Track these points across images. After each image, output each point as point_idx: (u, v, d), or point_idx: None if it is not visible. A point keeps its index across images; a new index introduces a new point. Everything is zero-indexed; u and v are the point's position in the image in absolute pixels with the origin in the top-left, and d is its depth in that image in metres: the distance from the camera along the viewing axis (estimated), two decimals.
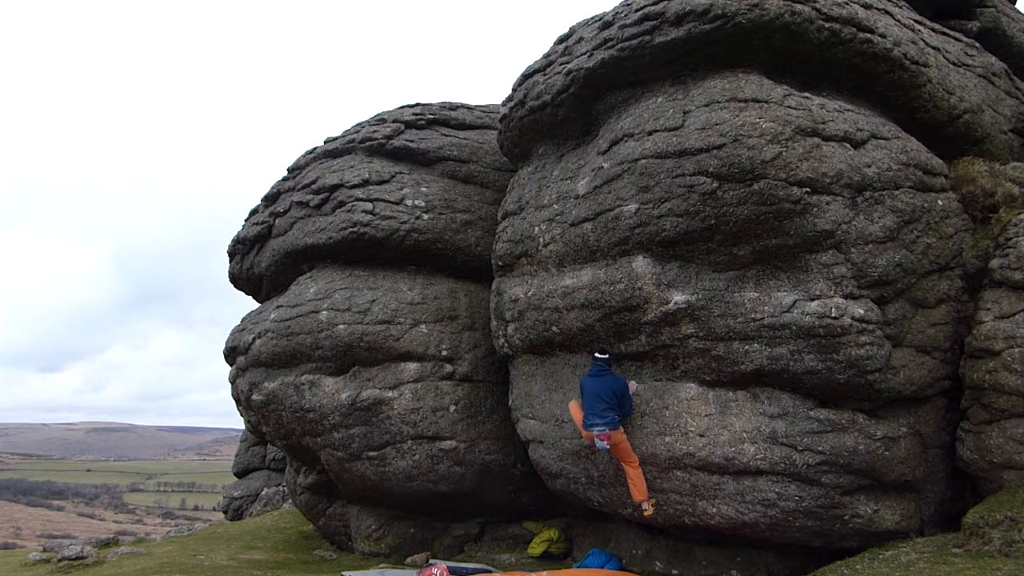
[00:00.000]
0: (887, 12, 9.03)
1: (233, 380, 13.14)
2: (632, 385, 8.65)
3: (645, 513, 8.50)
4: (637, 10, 8.70)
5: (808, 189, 7.50)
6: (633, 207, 8.22)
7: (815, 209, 7.51)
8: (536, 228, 9.79)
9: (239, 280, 14.60)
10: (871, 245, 7.70)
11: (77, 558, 12.33)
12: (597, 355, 8.74)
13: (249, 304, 17.36)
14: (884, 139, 8.22)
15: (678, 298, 8.05)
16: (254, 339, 12.13)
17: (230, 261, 14.70)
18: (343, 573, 10.30)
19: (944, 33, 10.48)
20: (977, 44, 10.97)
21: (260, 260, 13.46)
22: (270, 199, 13.62)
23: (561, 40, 10.38)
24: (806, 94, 8.16)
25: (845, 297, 7.62)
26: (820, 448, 7.65)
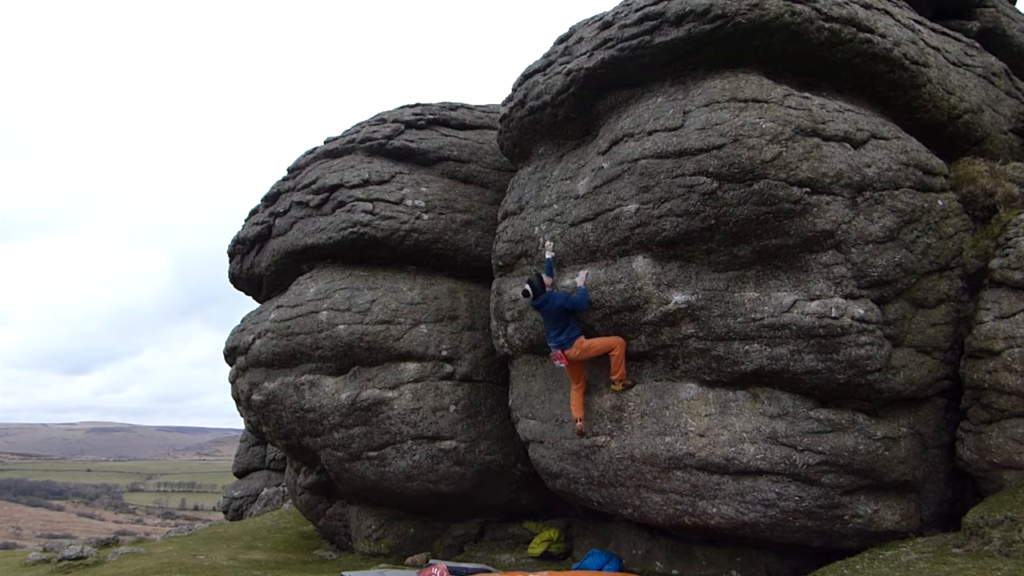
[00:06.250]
0: (887, 12, 9.03)
1: (233, 380, 13.15)
2: (581, 276, 8.83)
3: (612, 388, 8.84)
4: (637, 10, 8.70)
5: (808, 189, 7.50)
6: (633, 207, 8.22)
7: (815, 209, 7.51)
8: (536, 228, 9.79)
9: (239, 280, 14.60)
10: (871, 245, 7.70)
11: (77, 558, 12.32)
12: (525, 298, 9.15)
13: None
14: (884, 139, 8.22)
15: (678, 298, 8.05)
16: (254, 339, 12.14)
17: (230, 261, 14.70)
18: (343, 573, 10.30)
19: (944, 33, 10.47)
20: (977, 44, 10.96)
21: (260, 260, 13.46)
22: (270, 199, 13.62)
23: (561, 40, 10.37)
24: (806, 94, 8.16)
25: (845, 297, 7.62)
26: (820, 448, 7.65)
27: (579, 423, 9.07)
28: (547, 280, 9.07)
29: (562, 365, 9.00)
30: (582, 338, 8.78)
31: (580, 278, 8.82)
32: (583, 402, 9.13)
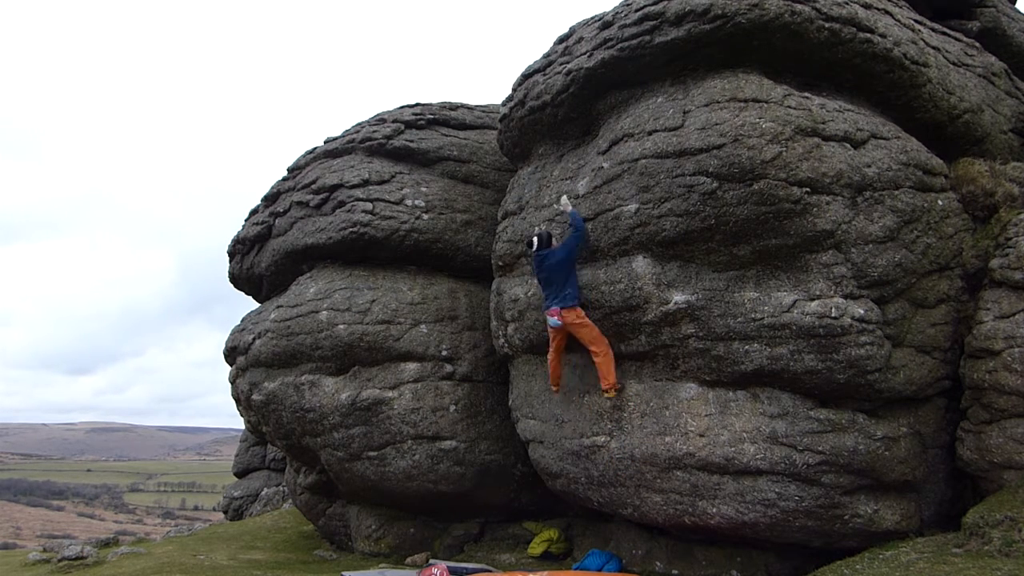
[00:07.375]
0: (887, 12, 9.03)
1: (233, 380, 13.15)
2: (564, 200, 8.95)
3: (606, 395, 8.78)
4: (637, 10, 8.70)
5: (808, 189, 7.50)
6: (633, 207, 8.22)
7: (815, 209, 7.51)
8: (536, 228, 9.79)
9: (239, 280, 14.60)
10: (871, 245, 7.70)
11: (77, 558, 12.33)
12: (529, 249, 9.20)
13: None
14: (884, 139, 8.22)
15: (678, 298, 8.05)
16: (254, 339, 12.14)
17: (230, 261, 14.71)
18: (343, 573, 10.30)
19: (944, 33, 10.47)
20: (977, 44, 10.96)
21: (260, 260, 13.46)
22: (270, 199, 13.62)
23: (561, 40, 10.38)
24: (806, 94, 8.16)
25: (845, 297, 7.62)
26: (820, 448, 7.65)
27: (555, 387, 9.42)
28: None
29: (558, 322, 8.73)
30: (581, 310, 8.70)
31: (564, 203, 8.97)
32: (560, 361, 9.28)
